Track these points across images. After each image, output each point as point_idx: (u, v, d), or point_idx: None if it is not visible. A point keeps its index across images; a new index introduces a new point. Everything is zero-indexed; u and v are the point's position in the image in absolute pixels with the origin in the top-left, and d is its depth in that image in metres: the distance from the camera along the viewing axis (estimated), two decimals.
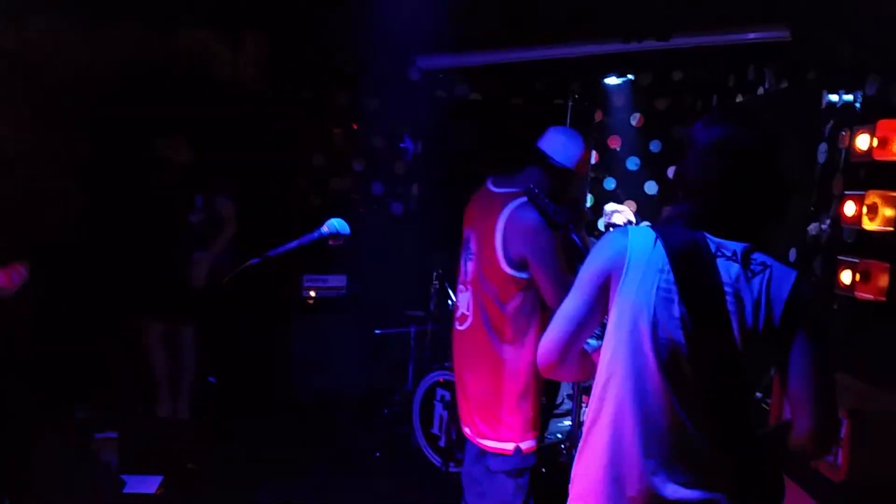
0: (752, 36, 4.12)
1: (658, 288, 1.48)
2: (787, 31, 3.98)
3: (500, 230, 2.42)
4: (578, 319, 1.62)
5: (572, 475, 1.60)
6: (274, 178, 5.24)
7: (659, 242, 1.52)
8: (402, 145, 5.67)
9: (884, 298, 3.05)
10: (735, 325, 1.44)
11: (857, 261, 3.17)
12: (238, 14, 5.17)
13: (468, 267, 2.62)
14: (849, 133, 3.43)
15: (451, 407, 4.03)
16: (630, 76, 5.40)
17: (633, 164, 5.69)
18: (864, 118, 3.30)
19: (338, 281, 5.11)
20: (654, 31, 4.64)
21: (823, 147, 3.73)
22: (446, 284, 4.63)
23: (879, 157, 3.12)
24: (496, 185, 2.59)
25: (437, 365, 4.20)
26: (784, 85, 4.27)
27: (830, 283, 3.37)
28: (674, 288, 1.48)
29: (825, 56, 3.78)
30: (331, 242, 1.83)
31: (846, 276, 3.20)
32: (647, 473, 1.46)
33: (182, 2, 4.96)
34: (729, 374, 1.46)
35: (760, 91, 4.55)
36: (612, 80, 5.46)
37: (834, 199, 3.55)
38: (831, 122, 3.70)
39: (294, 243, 1.77)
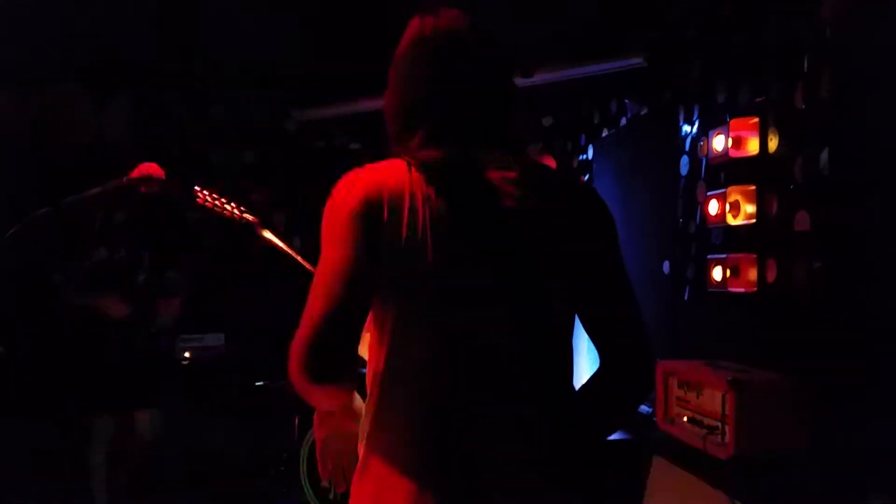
0: (611, 66, 4.32)
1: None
2: (642, 58, 4.20)
3: None
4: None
5: None
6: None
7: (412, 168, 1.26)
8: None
9: (755, 289, 3.11)
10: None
11: (724, 256, 3.24)
12: (102, 72, 5.00)
13: None
14: (706, 140, 3.58)
15: None
16: None
17: None
18: (717, 122, 3.45)
19: (215, 340, 4.81)
20: (519, 68, 4.80)
21: (685, 160, 3.88)
22: None
23: (735, 154, 3.25)
24: None
25: None
26: (644, 111, 4.46)
27: (703, 282, 3.44)
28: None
29: (678, 76, 3.99)
30: (143, 190, 1.66)
31: (717, 273, 3.26)
32: None
33: (43, 61, 4.76)
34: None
35: (623, 122, 4.74)
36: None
37: (698, 205, 3.67)
38: (689, 135, 3.87)
39: (96, 189, 1.57)
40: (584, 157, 5.34)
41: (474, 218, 1.22)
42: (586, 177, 5.17)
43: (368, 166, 1.29)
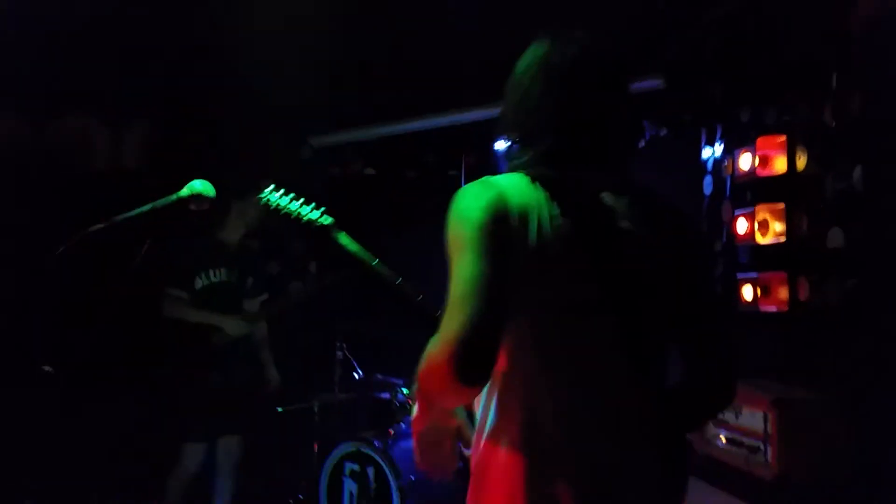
0: (633, 87, 4.31)
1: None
2: (661, 79, 4.20)
3: None
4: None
5: None
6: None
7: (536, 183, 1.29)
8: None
9: (786, 308, 3.07)
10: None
11: (755, 275, 3.20)
12: (117, 101, 5.02)
13: None
14: (731, 160, 3.56)
15: (360, 478, 3.72)
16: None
17: None
18: (742, 141, 3.44)
19: None
20: None
21: (708, 179, 3.86)
22: (350, 356, 4.40)
23: (762, 174, 3.23)
24: None
25: (343, 437, 3.89)
26: (663, 132, 4.45)
27: (732, 301, 3.39)
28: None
29: (698, 97, 3.99)
30: (193, 207, 1.64)
31: (748, 292, 3.22)
32: None
33: (60, 90, 4.79)
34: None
35: (642, 143, 4.73)
36: (501, 145, 5.56)
37: (724, 224, 3.64)
38: (712, 155, 3.85)
39: (148, 206, 1.55)
40: None
41: (595, 238, 1.28)
42: None
43: (490, 178, 1.31)
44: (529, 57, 1.38)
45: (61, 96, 4.92)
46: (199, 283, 3.70)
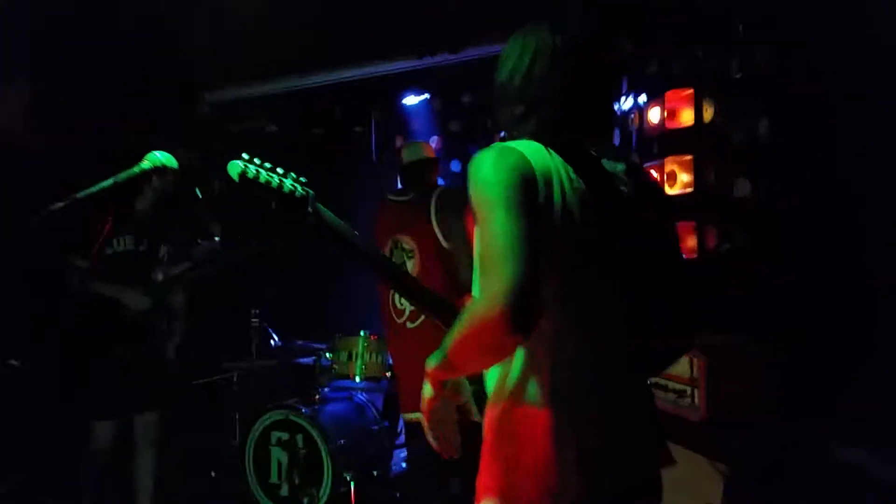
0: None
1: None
2: None
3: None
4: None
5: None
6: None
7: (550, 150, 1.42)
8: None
9: (695, 256, 3.22)
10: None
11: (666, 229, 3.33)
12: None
13: (409, 266, 2.94)
14: (638, 112, 3.65)
15: (289, 446, 3.68)
16: (426, 95, 5.44)
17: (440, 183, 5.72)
18: (651, 94, 3.52)
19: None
20: (445, 44, 4.74)
21: (615, 132, 3.95)
22: (265, 324, 4.29)
23: (671, 125, 3.33)
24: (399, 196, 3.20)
25: (269, 405, 3.82)
26: None
27: None
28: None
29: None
30: (155, 179, 1.51)
31: None
32: None
33: None
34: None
35: None
36: (410, 101, 5.47)
37: None
38: (618, 107, 3.93)
39: (109, 181, 1.43)
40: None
41: (606, 201, 1.43)
42: None
43: (506, 144, 1.39)
44: (532, 38, 1.49)
45: None
46: (105, 251, 3.48)
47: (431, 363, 1.42)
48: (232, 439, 4.09)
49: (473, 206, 1.33)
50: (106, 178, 3.87)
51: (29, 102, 4.89)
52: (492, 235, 1.27)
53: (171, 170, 1.54)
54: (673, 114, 3.35)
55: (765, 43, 2.92)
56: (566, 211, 1.35)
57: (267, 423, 3.77)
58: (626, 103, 3.87)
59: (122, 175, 1.46)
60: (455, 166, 5.62)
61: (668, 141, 3.41)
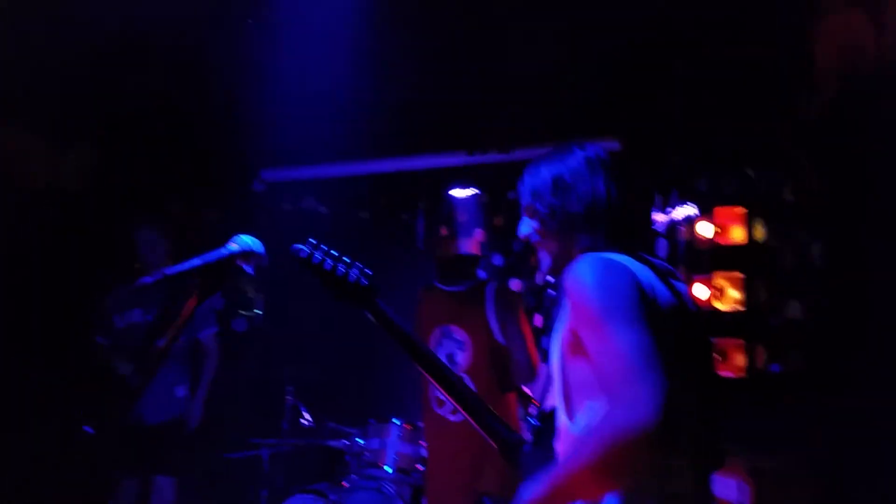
0: None
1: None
2: (617, 142, 4.34)
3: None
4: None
5: None
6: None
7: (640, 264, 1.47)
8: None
9: (744, 374, 3.19)
10: None
11: (713, 341, 3.32)
12: (62, 119, 4.81)
13: (459, 357, 2.95)
14: (687, 226, 3.70)
15: None
16: (476, 190, 5.57)
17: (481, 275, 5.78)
18: (702, 210, 3.58)
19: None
20: (496, 143, 4.90)
21: (663, 243, 3.99)
22: (299, 403, 4.28)
23: (721, 241, 3.38)
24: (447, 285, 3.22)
25: (296, 488, 3.77)
26: None
27: None
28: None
29: (655, 163, 4.14)
30: (240, 263, 1.54)
31: None
32: None
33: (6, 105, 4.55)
34: None
35: None
36: (458, 193, 5.60)
37: None
38: (667, 219, 3.99)
39: (197, 260, 1.46)
40: None
41: (684, 311, 1.46)
42: None
43: (607, 255, 1.43)
44: (575, 160, 1.58)
45: (3, 113, 4.68)
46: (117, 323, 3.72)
47: (534, 493, 1.35)
48: None
49: (588, 317, 1.33)
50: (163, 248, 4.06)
51: (93, 165, 5.11)
52: (625, 345, 1.26)
53: (257, 255, 1.57)
54: (724, 230, 3.40)
55: (818, 168, 2.98)
56: (666, 325, 1.35)
57: None
58: (676, 214, 3.93)
59: (211, 255, 1.48)
60: (497, 260, 5.69)
61: (719, 256, 3.45)
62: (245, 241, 1.55)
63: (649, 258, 1.49)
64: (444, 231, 5.80)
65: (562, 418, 1.46)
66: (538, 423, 1.63)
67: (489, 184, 5.61)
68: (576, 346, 1.38)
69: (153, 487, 3.63)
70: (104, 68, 4.19)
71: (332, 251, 1.63)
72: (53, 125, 4.84)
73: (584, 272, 1.38)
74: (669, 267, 1.54)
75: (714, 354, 3.33)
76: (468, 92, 4.55)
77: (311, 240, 1.59)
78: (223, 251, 1.51)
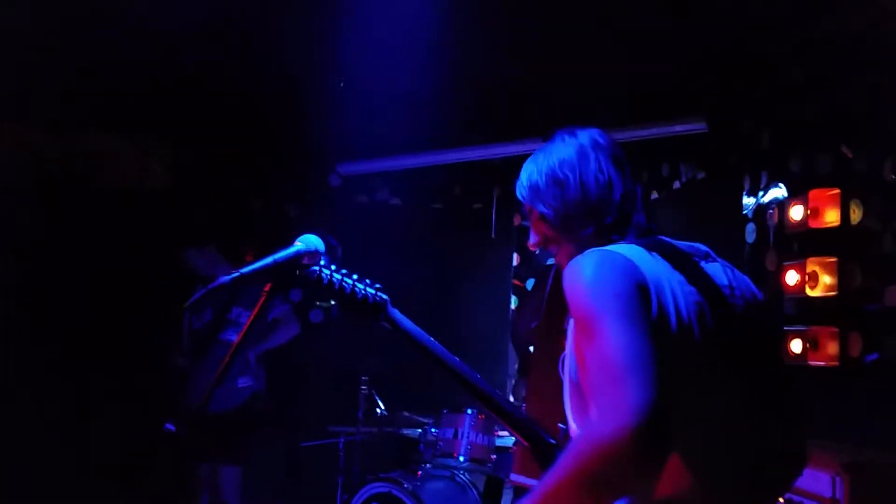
0: (673, 129, 4.28)
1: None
2: (704, 122, 4.16)
3: None
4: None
5: None
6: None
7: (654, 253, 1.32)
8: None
9: (836, 363, 3.00)
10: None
11: (805, 328, 3.13)
12: (145, 118, 4.98)
13: None
14: (777, 209, 3.51)
15: None
16: None
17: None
18: (793, 192, 3.39)
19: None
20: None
21: (751, 227, 3.81)
22: (374, 392, 4.30)
23: (814, 225, 3.18)
24: None
25: (371, 476, 3.78)
26: (700, 176, 4.41)
27: None
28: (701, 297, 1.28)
29: (744, 142, 3.95)
30: (306, 261, 1.58)
31: (796, 346, 3.15)
32: None
33: (86, 105, 4.75)
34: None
35: (677, 185, 4.69)
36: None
37: (769, 274, 3.57)
38: (756, 202, 3.80)
39: (269, 259, 1.50)
40: None
41: (715, 303, 1.28)
42: None
43: (610, 248, 1.30)
44: (566, 150, 1.46)
45: (89, 113, 4.89)
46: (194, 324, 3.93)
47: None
48: None
49: (579, 317, 1.21)
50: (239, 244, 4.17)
51: (171, 161, 5.28)
52: (610, 348, 1.12)
53: (321, 254, 1.60)
54: (816, 213, 3.20)
55: None
56: (682, 321, 1.21)
57: (369, 494, 3.73)
58: (765, 197, 3.74)
59: (281, 254, 1.52)
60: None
61: (811, 240, 3.25)
62: (310, 239, 1.59)
63: (673, 243, 1.36)
64: (517, 219, 5.76)
65: (571, 426, 1.35)
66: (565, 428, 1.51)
67: None
68: (579, 351, 1.24)
69: (220, 476, 3.75)
70: (181, 66, 4.31)
71: (340, 270, 1.63)
72: (133, 125, 5.05)
73: (576, 270, 1.25)
74: (702, 249, 1.39)
75: (793, 346, 3.14)
76: (543, 78, 4.47)
77: (321, 261, 1.62)
78: (290, 250, 1.56)
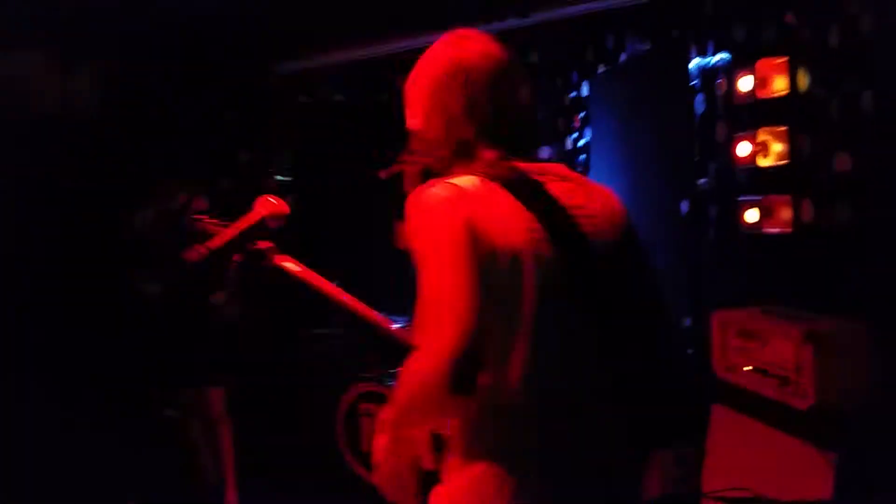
0: (612, 1, 4.20)
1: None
2: None
3: None
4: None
5: None
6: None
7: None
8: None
9: (790, 229, 3.15)
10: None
11: (759, 198, 3.26)
12: (66, 37, 4.62)
13: None
14: (725, 79, 3.55)
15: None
16: None
17: None
18: (739, 63, 3.41)
19: None
20: (513, 9, 4.65)
21: (700, 98, 3.85)
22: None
23: (762, 95, 3.23)
24: None
25: (356, 376, 3.93)
26: (647, 47, 4.38)
27: (731, 224, 3.46)
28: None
29: (688, 13, 3.91)
30: (270, 224, 1.57)
31: (752, 215, 3.28)
32: None
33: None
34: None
35: (622, 58, 4.65)
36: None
37: (718, 145, 3.66)
38: (701, 68, 3.82)
39: (232, 231, 1.49)
40: (576, 94, 5.24)
41: (564, 235, 1.30)
42: (581, 114, 5.09)
43: (449, 182, 1.30)
44: (442, 59, 1.39)
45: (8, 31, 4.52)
46: None
47: (387, 413, 1.38)
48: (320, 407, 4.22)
49: (414, 249, 1.26)
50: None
51: (99, 79, 4.97)
52: (434, 286, 1.21)
53: (284, 216, 1.59)
54: (764, 83, 3.24)
55: (869, 9, 2.79)
56: (516, 258, 1.24)
57: (357, 393, 3.88)
58: (711, 65, 3.75)
59: (244, 224, 1.50)
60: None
61: (760, 111, 3.31)
62: (270, 202, 1.57)
63: (520, 168, 1.34)
64: None
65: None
66: None
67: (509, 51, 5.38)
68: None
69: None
70: None
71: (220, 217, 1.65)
72: (53, 45, 4.68)
73: (416, 201, 1.29)
74: (556, 171, 1.39)
75: (749, 215, 3.25)
76: None
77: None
78: (253, 217, 1.54)
